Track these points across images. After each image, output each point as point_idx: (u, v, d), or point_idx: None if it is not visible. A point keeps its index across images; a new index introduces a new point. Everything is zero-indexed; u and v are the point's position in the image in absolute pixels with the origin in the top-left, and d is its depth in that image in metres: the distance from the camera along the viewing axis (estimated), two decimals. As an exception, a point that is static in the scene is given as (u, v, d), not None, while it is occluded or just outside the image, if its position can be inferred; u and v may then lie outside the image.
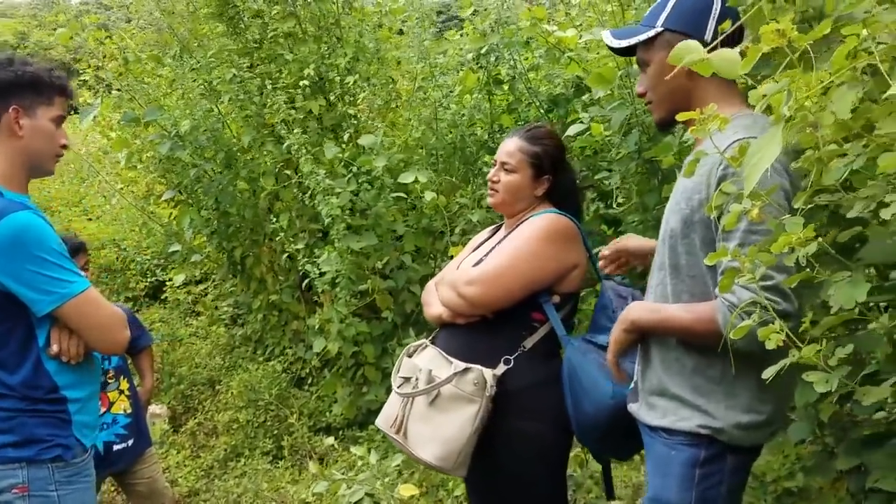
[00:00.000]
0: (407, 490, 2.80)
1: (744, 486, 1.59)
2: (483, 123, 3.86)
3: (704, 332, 1.43)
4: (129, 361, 3.08)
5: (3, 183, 1.79)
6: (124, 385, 2.94)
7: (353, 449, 3.37)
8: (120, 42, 4.33)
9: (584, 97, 3.39)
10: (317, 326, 3.91)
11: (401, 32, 4.34)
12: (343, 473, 2.96)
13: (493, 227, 2.36)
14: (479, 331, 1.99)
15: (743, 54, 1.03)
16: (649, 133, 2.84)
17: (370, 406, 3.90)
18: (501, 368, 1.93)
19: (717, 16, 1.52)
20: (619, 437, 1.81)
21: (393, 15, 4.15)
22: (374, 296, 3.81)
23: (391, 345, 3.90)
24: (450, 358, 1.97)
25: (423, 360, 2.03)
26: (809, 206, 1.17)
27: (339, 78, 3.91)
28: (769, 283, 1.30)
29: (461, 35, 3.75)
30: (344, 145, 3.71)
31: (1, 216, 1.67)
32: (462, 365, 1.91)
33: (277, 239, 4.10)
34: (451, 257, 2.91)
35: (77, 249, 2.77)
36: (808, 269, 1.17)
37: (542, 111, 3.60)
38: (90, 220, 7.02)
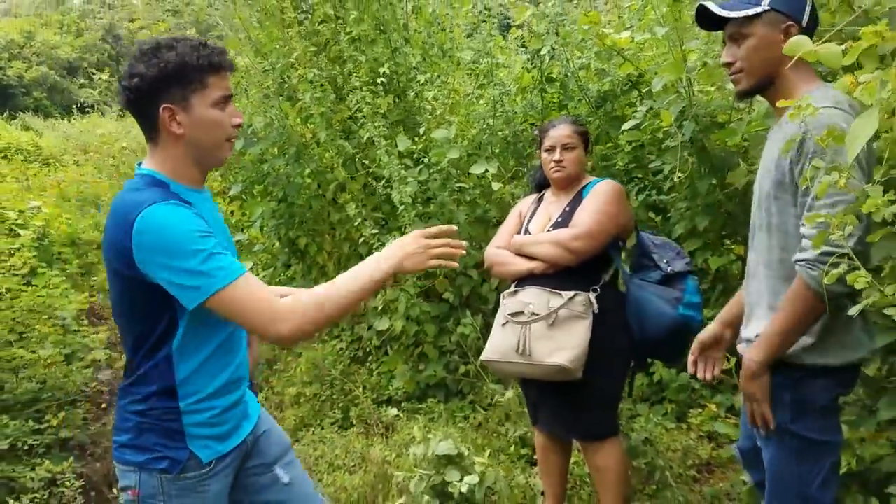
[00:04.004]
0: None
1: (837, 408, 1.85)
2: (535, 119, 4.16)
3: (806, 307, 1.66)
4: None
5: (176, 179, 1.66)
6: None
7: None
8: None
9: (633, 93, 3.70)
10: (379, 308, 4.20)
11: (469, 36, 4.64)
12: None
13: (532, 198, 2.89)
14: (566, 273, 2.56)
15: (845, 51, 1.35)
16: (701, 124, 3.15)
17: (428, 381, 4.20)
18: (593, 295, 2.54)
19: (810, 1, 1.78)
20: (671, 348, 2.55)
21: (458, 19, 4.48)
22: (438, 278, 4.12)
23: (448, 325, 4.22)
24: (556, 291, 2.52)
25: (530, 297, 2.56)
26: (886, 177, 1.48)
27: (409, 76, 4.23)
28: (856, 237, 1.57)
29: (514, 38, 4.07)
30: (417, 138, 4.01)
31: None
32: (571, 293, 2.53)
33: (341, 228, 4.39)
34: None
35: None
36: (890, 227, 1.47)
37: (591, 107, 3.91)
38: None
